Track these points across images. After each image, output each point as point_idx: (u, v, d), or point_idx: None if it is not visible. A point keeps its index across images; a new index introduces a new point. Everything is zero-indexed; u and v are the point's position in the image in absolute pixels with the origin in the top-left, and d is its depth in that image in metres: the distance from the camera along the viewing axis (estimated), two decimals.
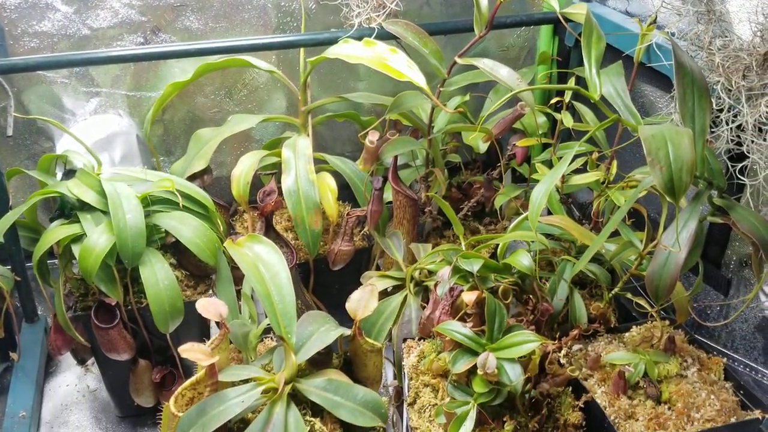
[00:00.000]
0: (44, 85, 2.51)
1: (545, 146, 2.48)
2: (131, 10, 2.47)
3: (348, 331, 1.78)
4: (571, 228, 1.95)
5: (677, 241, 1.47)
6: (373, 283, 1.91)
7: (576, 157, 2.10)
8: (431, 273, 2.09)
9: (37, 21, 2.41)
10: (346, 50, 2.13)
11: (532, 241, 2.03)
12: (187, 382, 1.58)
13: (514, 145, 2.36)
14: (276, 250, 1.79)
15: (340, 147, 2.95)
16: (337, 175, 2.40)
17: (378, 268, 2.42)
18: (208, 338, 2.01)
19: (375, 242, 2.36)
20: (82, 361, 2.28)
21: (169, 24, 2.53)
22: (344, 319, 1.80)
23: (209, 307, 1.67)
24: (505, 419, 1.60)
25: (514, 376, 1.55)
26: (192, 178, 2.33)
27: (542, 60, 2.74)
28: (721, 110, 1.75)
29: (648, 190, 1.84)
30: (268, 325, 1.87)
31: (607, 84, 1.74)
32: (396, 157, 2.21)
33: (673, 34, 2.02)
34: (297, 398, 1.66)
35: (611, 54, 2.15)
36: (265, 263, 1.74)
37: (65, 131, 2.17)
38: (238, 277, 2.12)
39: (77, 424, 2.29)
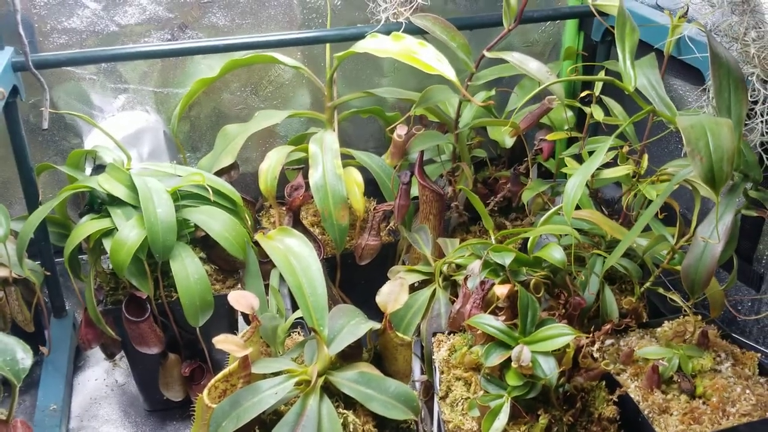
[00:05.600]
0: (72, 82, 2.53)
1: (570, 142, 2.47)
2: (158, 6, 2.48)
3: (378, 325, 1.78)
4: (602, 222, 1.93)
5: (717, 232, 1.46)
6: (402, 277, 1.91)
7: (607, 150, 2.09)
8: (459, 267, 2.09)
9: (66, 17, 2.43)
10: (375, 45, 2.13)
11: (561, 236, 2.02)
12: (220, 374, 1.58)
13: (542, 139, 2.35)
14: (306, 243, 1.80)
15: (363, 143, 2.95)
16: (362, 170, 2.39)
17: (403, 263, 2.42)
18: (236, 332, 2.01)
19: (401, 237, 2.36)
20: (111, 356, 2.30)
21: (196, 21, 2.54)
22: (370, 314, 1.80)
23: (241, 299, 1.68)
24: (539, 413, 1.60)
25: (549, 369, 1.54)
26: (219, 173, 2.34)
27: (568, 55, 2.72)
28: (755, 102, 1.73)
29: (679, 183, 1.82)
30: (296, 319, 1.87)
31: (641, 76, 1.73)
32: (422, 152, 2.21)
33: (705, 26, 2.00)
34: (329, 391, 1.66)
35: (641, 47, 2.12)
36: (297, 256, 1.75)
37: (96, 126, 2.19)
38: (265, 272, 2.13)
39: (106, 418, 2.30)
